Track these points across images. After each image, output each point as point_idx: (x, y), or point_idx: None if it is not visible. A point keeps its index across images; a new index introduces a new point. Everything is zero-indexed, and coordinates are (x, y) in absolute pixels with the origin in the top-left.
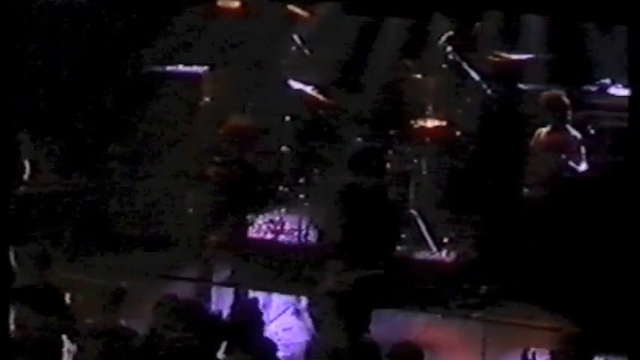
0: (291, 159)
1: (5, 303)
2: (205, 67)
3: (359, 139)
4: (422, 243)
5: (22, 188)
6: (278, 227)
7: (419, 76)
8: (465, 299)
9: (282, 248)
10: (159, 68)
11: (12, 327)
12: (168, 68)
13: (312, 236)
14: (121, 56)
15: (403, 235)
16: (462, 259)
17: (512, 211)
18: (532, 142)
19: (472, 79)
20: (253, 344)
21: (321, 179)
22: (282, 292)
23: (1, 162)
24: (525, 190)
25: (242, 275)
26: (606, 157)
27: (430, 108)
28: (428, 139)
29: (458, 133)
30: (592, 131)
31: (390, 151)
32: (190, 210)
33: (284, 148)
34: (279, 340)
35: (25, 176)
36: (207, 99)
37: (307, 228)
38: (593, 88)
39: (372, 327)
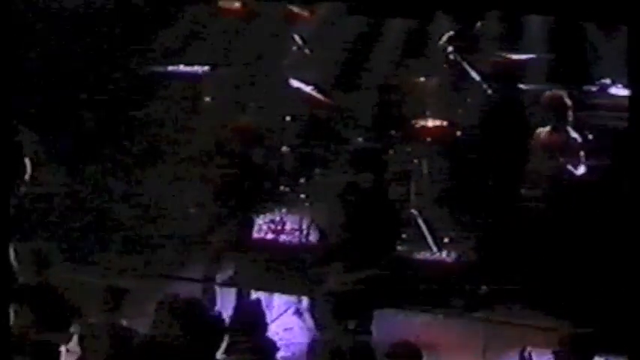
0: (292, 159)
1: (5, 303)
2: (205, 67)
3: (360, 139)
4: (422, 243)
5: (22, 188)
6: (279, 227)
7: (419, 76)
8: (466, 299)
9: (283, 248)
10: (159, 68)
11: (12, 327)
12: (169, 68)
13: (313, 236)
14: (121, 56)
15: (404, 235)
16: (463, 259)
17: (512, 211)
18: (532, 142)
19: (473, 79)
20: (256, 345)
21: (321, 179)
22: (283, 292)
23: (1, 162)
24: (526, 191)
25: (243, 275)
26: (606, 158)
27: (431, 108)
28: (428, 139)
29: (458, 133)
30: (592, 131)
31: (390, 151)
32: (192, 210)
33: (285, 148)
34: (280, 340)
35: (25, 176)
36: (207, 99)
37: (308, 228)
38: (594, 88)
39: (372, 327)
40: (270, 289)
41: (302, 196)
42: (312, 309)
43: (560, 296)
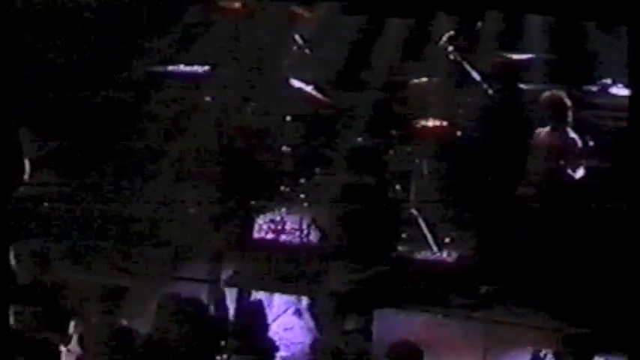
0: (292, 159)
1: (5, 303)
2: (206, 67)
3: (360, 139)
4: (423, 243)
5: (22, 188)
6: (279, 227)
7: (420, 76)
8: (466, 299)
9: (283, 248)
10: (159, 68)
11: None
12: (169, 68)
13: (314, 236)
14: (121, 56)
15: (404, 235)
16: (463, 259)
17: (513, 211)
18: (532, 143)
19: (473, 79)
20: (257, 346)
21: (322, 179)
22: (283, 291)
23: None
24: (526, 191)
25: (244, 275)
26: (606, 158)
27: (431, 108)
28: (429, 139)
29: (459, 132)
30: (592, 131)
31: (390, 151)
32: (192, 210)
33: (285, 148)
34: (280, 339)
35: (25, 176)
36: (207, 99)
37: (308, 228)
38: (594, 88)
39: (372, 327)
40: (270, 289)
41: (302, 195)
42: (312, 309)
43: (561, 296)
